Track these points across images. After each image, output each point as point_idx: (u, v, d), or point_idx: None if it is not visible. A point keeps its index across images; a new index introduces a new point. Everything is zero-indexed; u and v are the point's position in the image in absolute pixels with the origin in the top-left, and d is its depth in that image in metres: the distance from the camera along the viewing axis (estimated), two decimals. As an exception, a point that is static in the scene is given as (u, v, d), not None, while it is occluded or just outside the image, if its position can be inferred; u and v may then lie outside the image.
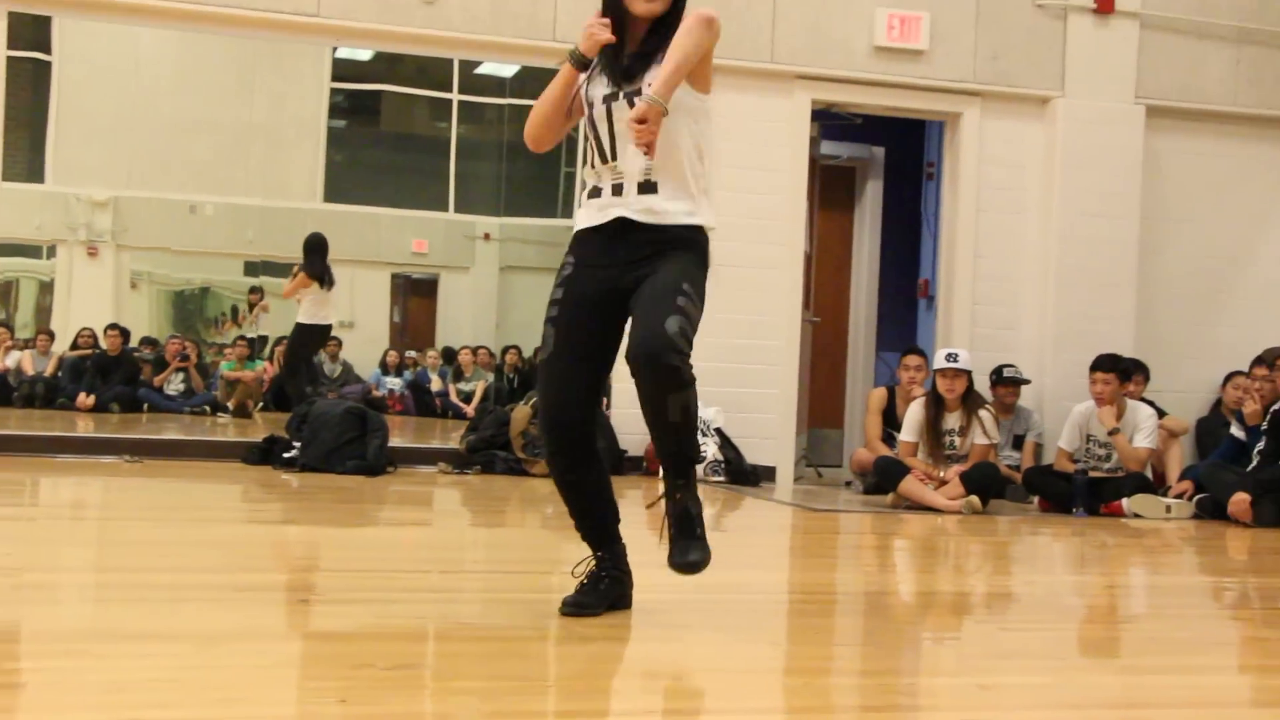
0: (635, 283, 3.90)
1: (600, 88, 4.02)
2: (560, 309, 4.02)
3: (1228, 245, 10.48)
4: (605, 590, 4.11)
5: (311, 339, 12.09)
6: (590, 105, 4.05)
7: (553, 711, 3.10)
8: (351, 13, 9.01)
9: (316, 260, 11.63)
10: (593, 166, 4.08)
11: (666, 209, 3.94)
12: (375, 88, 16.05)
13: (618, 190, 3.99)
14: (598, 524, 4.18)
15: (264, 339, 16.32)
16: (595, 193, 4.04)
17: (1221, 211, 10.45)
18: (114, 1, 8.72)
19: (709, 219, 4.04)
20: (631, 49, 4.01)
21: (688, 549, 3.92)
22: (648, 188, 3.95)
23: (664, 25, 3.96)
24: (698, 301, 3.89)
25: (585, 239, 4.06)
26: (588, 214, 4.05)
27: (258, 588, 4.50)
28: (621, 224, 3.94)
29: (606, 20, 3.94)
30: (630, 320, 3.95)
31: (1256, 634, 4.77)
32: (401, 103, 16.30)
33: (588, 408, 4.12)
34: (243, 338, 15.69)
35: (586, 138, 4.11)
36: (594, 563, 4.15)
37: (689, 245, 3.96)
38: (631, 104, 3.83)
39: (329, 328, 12.25)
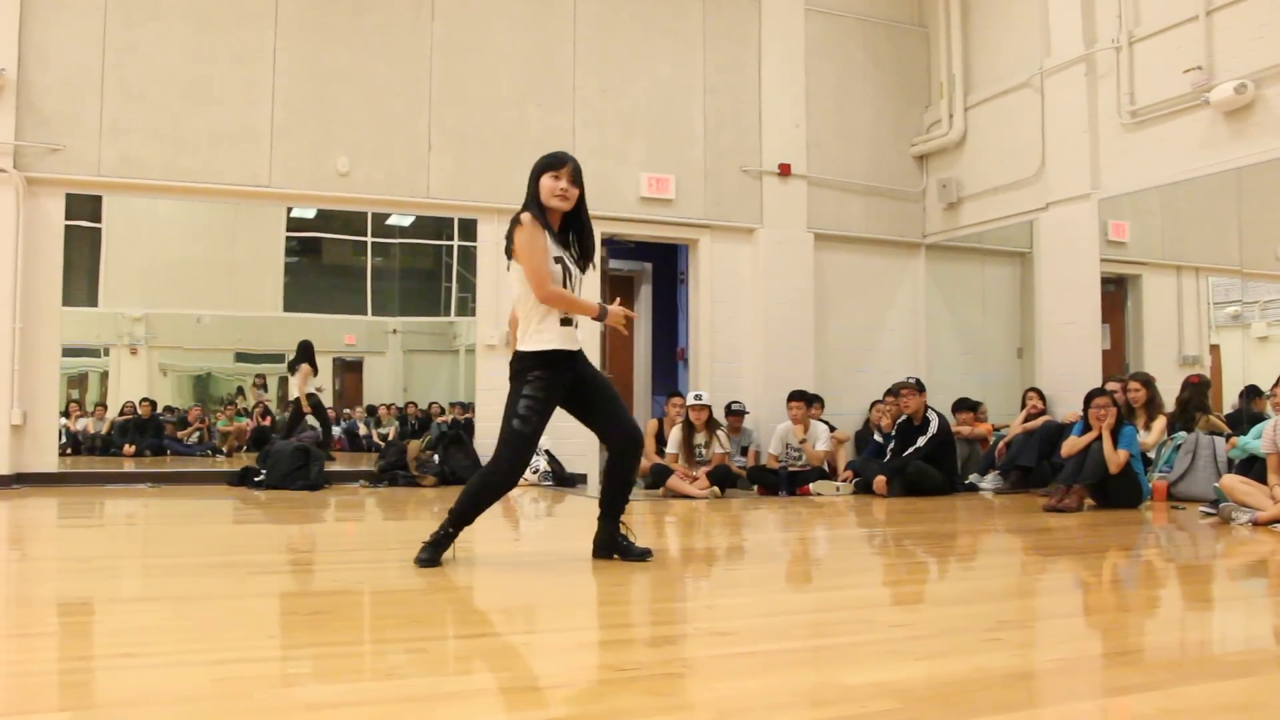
0: None
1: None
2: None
3: (866, 320, 10.73)
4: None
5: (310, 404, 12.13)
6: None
7: (434, 635, 2.96)
8: (295, 184, 8.81)
9: (306, 355, 12.25)
10: None
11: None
12: (316, 235, 15.74)
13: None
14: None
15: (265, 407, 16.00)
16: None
17: (862, 299, 10.71)
18: (142, 184, 8.46)
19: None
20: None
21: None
22: None
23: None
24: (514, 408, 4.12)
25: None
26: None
27: (236, 564, 4.28)
28: None
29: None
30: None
31: (889, 560, 4.86)
32: (334, 243, 16.02)
33: None
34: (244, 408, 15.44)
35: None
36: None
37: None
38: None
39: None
